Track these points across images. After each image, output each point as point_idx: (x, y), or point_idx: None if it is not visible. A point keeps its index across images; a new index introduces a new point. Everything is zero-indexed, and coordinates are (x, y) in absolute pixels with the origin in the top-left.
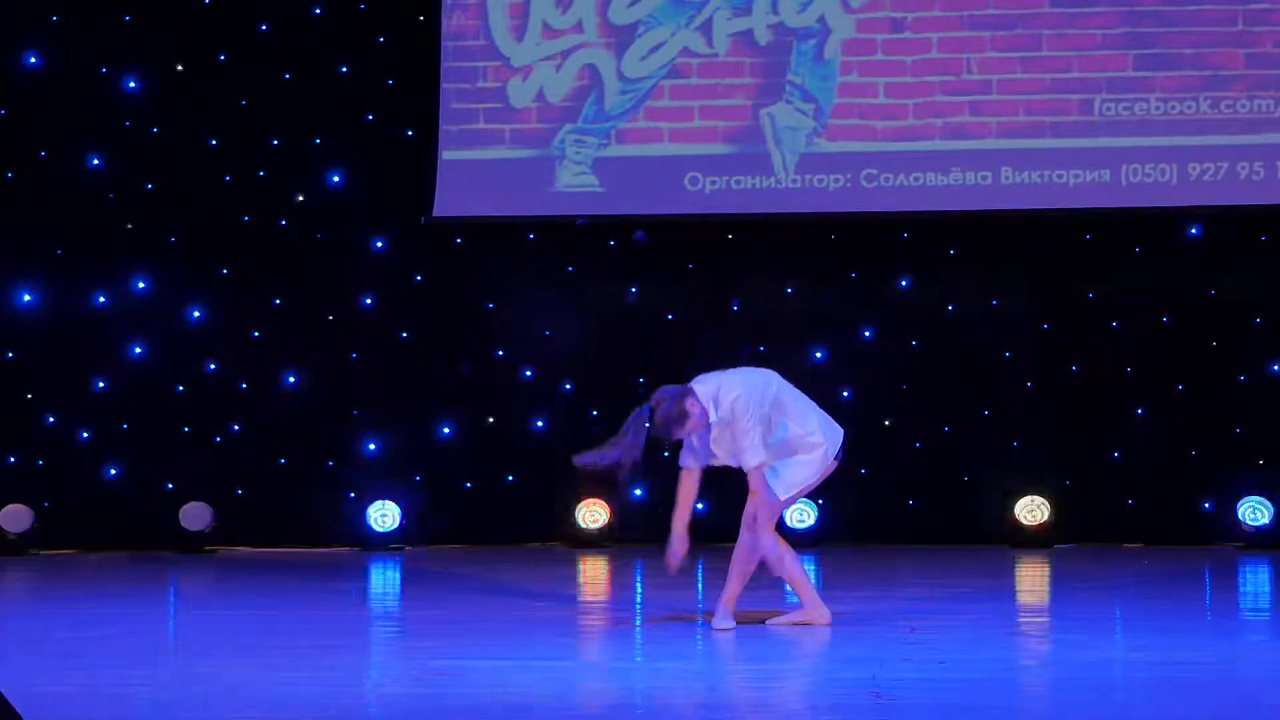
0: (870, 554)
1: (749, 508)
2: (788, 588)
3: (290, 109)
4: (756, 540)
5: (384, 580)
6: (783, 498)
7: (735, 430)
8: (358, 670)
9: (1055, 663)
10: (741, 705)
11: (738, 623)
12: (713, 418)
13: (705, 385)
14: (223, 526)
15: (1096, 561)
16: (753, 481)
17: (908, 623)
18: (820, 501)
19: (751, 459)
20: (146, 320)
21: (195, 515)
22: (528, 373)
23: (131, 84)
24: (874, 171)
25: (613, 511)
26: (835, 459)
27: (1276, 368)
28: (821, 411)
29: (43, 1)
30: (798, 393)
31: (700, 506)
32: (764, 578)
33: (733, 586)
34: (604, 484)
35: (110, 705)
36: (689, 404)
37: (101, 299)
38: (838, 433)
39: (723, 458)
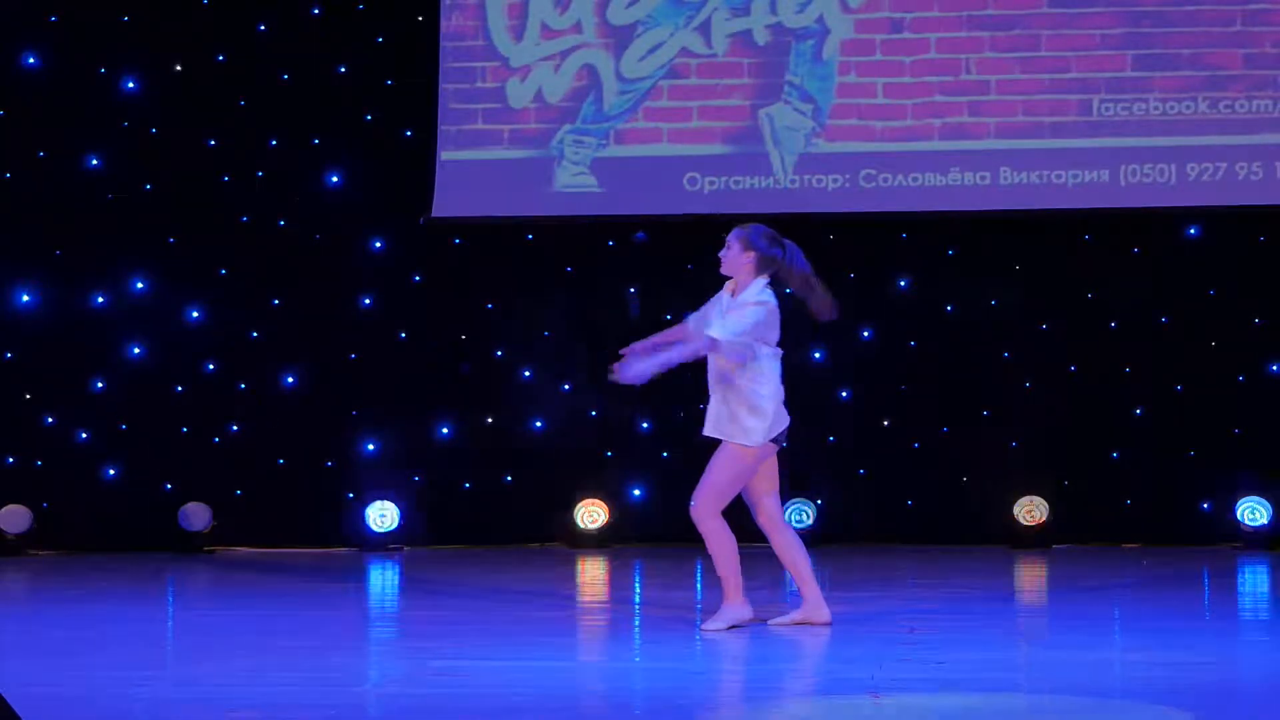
0: (869, 554)
1: (699, 507)
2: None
3: (289, 109)
4: (723, 527)
5: (383, 580)
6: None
7: (733, 312)
8: (357, 670)
9: (1054, 663)
10: (741, 705)
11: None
12: (738, 295)
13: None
14: (222, 526)
15: (1095, 562)
16: (718, 457)
17: (907, 623)
18: (820, 501)
19: (717, 330)
20: (145, 320)
21: (195, 515)
22: (526, 373)
23: (130, 84)
24: (873, 172)
25: (611, 511)
26: (777, 442)
27: (1275, 368)
28: (781, 395)
29: (41, 2)
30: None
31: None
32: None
33: (731, 584)
34: None
35: (109, 706)
36: (750, 255)
37: (100, 299)
38: (785, 419)
39: (697, 332)
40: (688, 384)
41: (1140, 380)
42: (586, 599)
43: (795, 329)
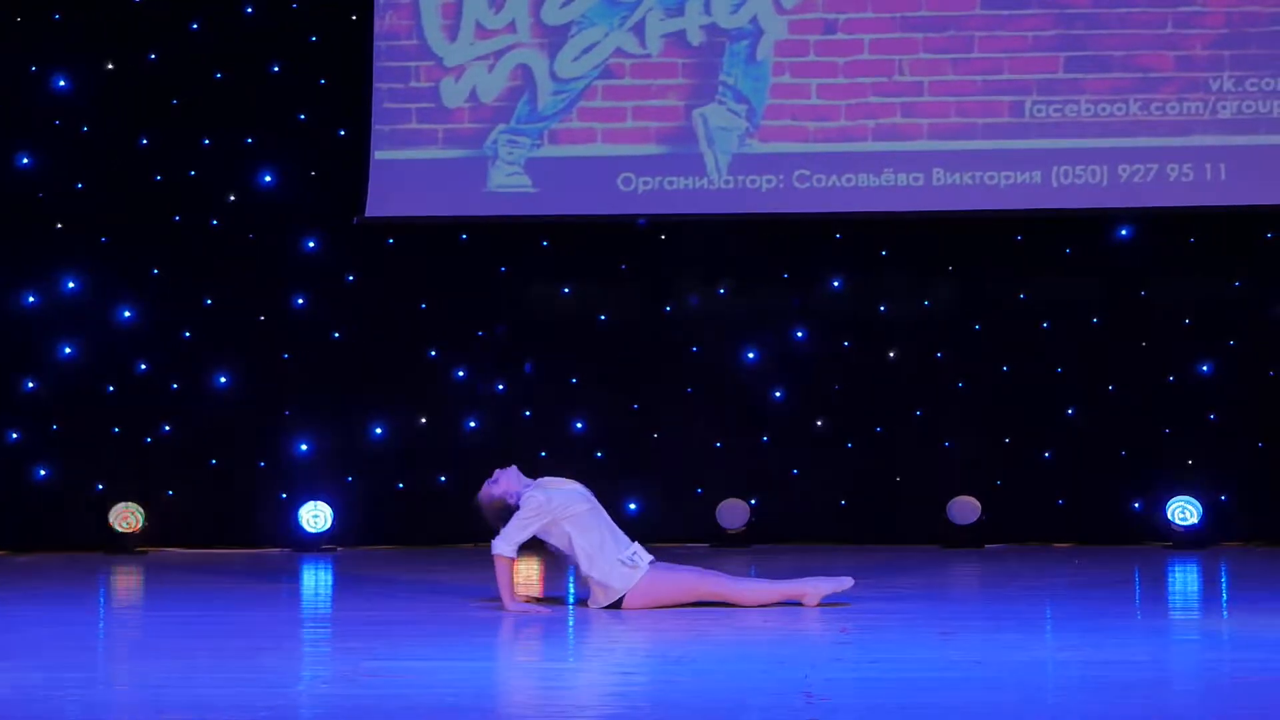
0: (803, 554)
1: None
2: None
3: (222, 108)
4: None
5: (316, 581)
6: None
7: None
8: (289, 671)
9: (986, 662)
10: (673, 705)
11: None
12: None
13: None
14: (153, 527)
15: (1027, 561)
16: None
17: (840, 623)
18: (753, 501)
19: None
20: (76, 320)
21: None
22: (460, 373)
23: (61, 82)
24: (806, 172)
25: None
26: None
27: (1205, 369)
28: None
29: None
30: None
31: (633, 508)
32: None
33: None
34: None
35: (40, 707)
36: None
37: (31, 299)
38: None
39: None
40: (627, 384)
41: (1072, 380)
42: (520, 599)
43: (730, 328)
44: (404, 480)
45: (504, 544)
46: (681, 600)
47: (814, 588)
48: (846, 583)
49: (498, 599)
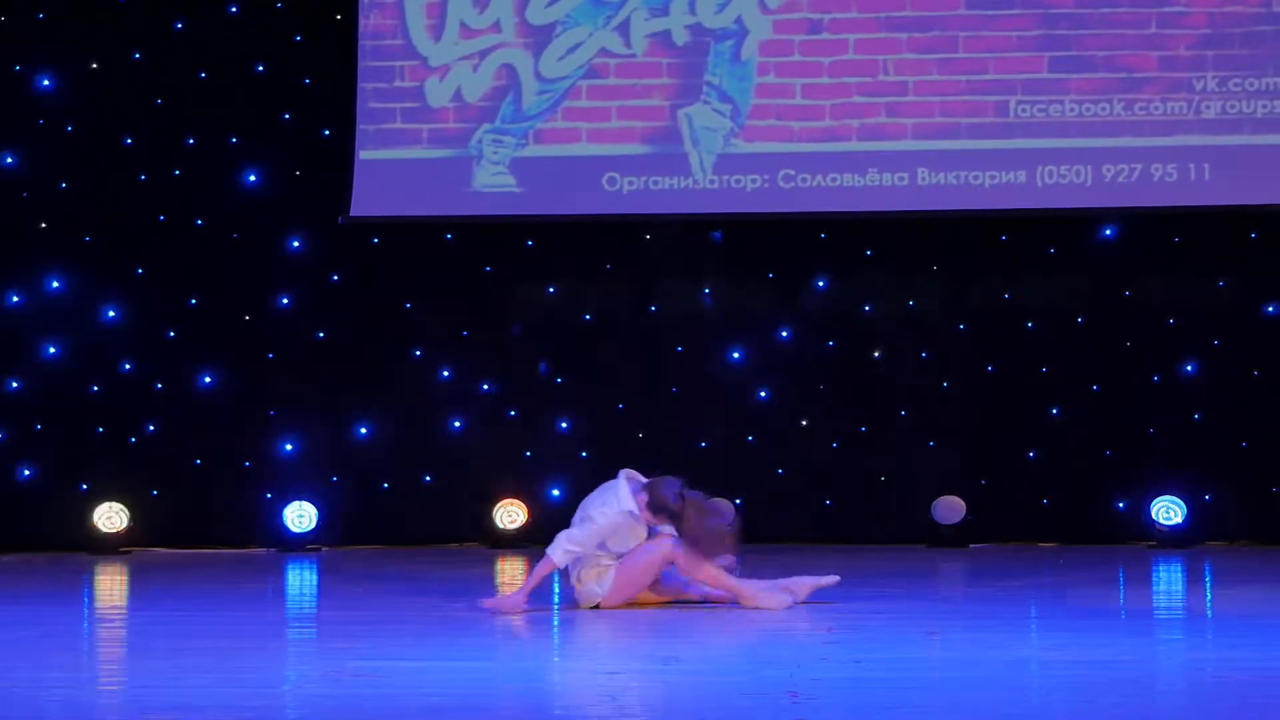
0: (788, 554)
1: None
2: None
3: (207, 108)
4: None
5: (301, 581)
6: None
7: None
8: (274, 671)
9: (971, 662)
10: (658, 705)
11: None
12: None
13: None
14: (138, 527)
15: (1012, 561)
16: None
17: (825, 622)
18: (738, 501)
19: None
20: (61, 320)
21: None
22: (445, 373)
23: (45, 82)
24: (791, 172)
25: (530, 511)
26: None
27: (1189, 368)
28: None
29: None
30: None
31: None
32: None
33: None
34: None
35: (24, 707)
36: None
37: (15, 298)
38: None
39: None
40: (611, 384)
41: (1056, 380)
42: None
43: (715, 328)
44: (389, 480)
45: (559, 551)
46: (666, 598)
47: (800, 585)
48: (832, 580)
49: (484, 598)
